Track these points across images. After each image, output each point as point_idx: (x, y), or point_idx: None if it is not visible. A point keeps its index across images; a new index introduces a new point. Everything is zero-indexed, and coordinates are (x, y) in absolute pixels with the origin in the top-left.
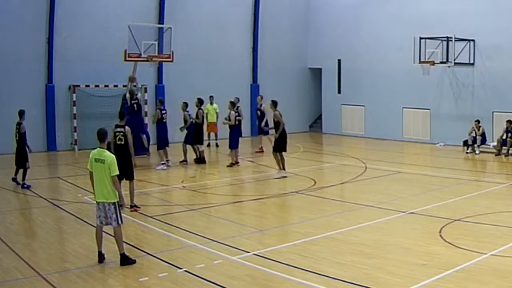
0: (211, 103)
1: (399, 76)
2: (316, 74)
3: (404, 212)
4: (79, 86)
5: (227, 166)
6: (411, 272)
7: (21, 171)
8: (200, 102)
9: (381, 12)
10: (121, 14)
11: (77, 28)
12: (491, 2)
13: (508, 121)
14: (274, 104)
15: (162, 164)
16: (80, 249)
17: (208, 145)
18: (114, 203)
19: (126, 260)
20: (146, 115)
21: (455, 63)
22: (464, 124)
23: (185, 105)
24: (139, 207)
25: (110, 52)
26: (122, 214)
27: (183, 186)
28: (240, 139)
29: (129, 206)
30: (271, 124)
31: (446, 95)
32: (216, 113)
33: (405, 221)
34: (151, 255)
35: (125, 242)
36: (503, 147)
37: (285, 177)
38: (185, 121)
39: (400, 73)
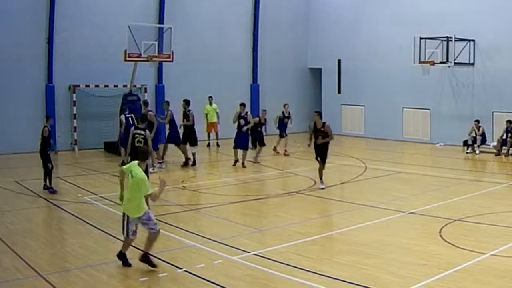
0: (210, 104)
1: (399, 76)
2: (316, 74)
3: (404, 212)
4: (79, 86)
5: (233, 165)
6: (411, 272)
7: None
8: (187, 103)
9: (381, 12)
10: (121, 14)
11: (77, 28)
12: (491, 2)
13: (508, 121)
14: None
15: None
16: (80, 249)
17: (208, 145)
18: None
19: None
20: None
21: (455, 63)
22: (464, 124)
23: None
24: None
25: (110, 52)
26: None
27: (183, 186)
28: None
29: None
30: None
31: (446, 95)
32: (216, 113)
33: (405, 221)
34: (151, 255)
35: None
36: (503, 147)
37: None
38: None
39: (400, 73)
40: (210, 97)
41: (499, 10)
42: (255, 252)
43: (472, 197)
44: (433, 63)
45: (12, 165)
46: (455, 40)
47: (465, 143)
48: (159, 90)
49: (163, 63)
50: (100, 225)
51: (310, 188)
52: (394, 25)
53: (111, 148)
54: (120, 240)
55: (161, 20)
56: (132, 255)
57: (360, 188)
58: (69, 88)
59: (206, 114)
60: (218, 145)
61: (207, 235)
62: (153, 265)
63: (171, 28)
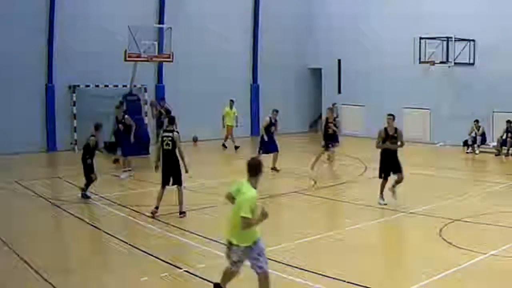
0: (231, 107)
1: (399, 76)
2: (316, 74)
3: (404, 212)
4: (79, 86)
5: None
6: (412, 272)
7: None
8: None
9: (381, 12)
10: (121, 14)
11: (78, 28)
12: (491, 2)
13: (508, 121)
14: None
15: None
16: (81, 250)
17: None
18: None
19: None
20: (146, 115)
21: (455, 63)
22: (464, 124)
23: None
24: (184, 214)
25: (110, 52)
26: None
27: (184, 186)
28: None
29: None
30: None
31: (446, 95)
32: (236, 117)
33: (405, 221)
34: (151, 255)
35: (126, 243)
36: (503, 147)
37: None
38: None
39: (400, 73)
40: (231, 100)
41: (500, 10)
42: None
43: (472, 197)
44: (433, 63)
45: (12, 165)
46: (455, 40)
47: (465, 143)
48: (159, 90)
49: (163, 63)
50: (100, 225)
51: (310, 188)
52: (394, 25)
53: (110, 148)
54: (120, 239)
55: (161, 20)
56: (132, 254)
57: (360, 188)
58: (69, 88)
59: (223, 117)
60: (224, 146)
61: (207, 235)
62: None
63: (171, 28)
